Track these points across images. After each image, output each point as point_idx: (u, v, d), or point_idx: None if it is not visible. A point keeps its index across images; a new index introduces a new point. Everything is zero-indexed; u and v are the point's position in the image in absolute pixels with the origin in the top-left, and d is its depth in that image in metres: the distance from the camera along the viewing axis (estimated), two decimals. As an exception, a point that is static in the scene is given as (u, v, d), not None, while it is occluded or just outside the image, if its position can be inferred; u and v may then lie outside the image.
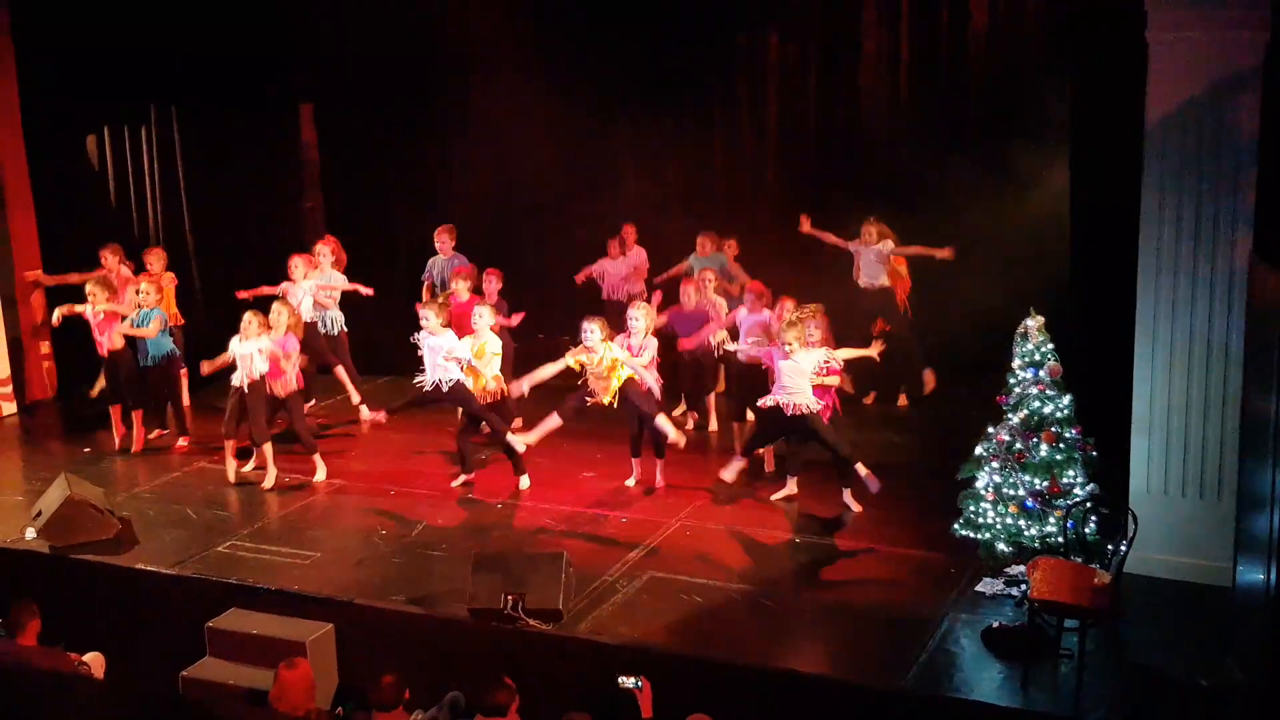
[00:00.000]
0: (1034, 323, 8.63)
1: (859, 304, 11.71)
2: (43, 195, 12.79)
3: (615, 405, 9.59)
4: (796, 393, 9.17)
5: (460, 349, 9.89)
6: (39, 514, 9.50)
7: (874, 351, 9.78)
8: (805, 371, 9.15)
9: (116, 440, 11.37)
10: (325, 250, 11.90)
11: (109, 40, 12.64)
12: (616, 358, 9.50)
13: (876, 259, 11.67)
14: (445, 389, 9.92)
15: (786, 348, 9.16)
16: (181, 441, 11.46)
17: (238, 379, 10.20)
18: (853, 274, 11.77)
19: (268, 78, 13.49)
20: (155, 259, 11.96)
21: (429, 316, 9.90)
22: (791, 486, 9.68)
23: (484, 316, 10.19)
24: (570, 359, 9.54)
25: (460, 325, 10.36)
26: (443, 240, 12.27)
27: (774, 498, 9.67)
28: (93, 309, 11.17)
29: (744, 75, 13.17)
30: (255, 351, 10.11)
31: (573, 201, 13.70)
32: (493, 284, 11.50)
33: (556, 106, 13.36)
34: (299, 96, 14.08)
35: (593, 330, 9.47)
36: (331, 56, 13.84)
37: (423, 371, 10.02)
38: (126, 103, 13.20)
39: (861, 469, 9.21)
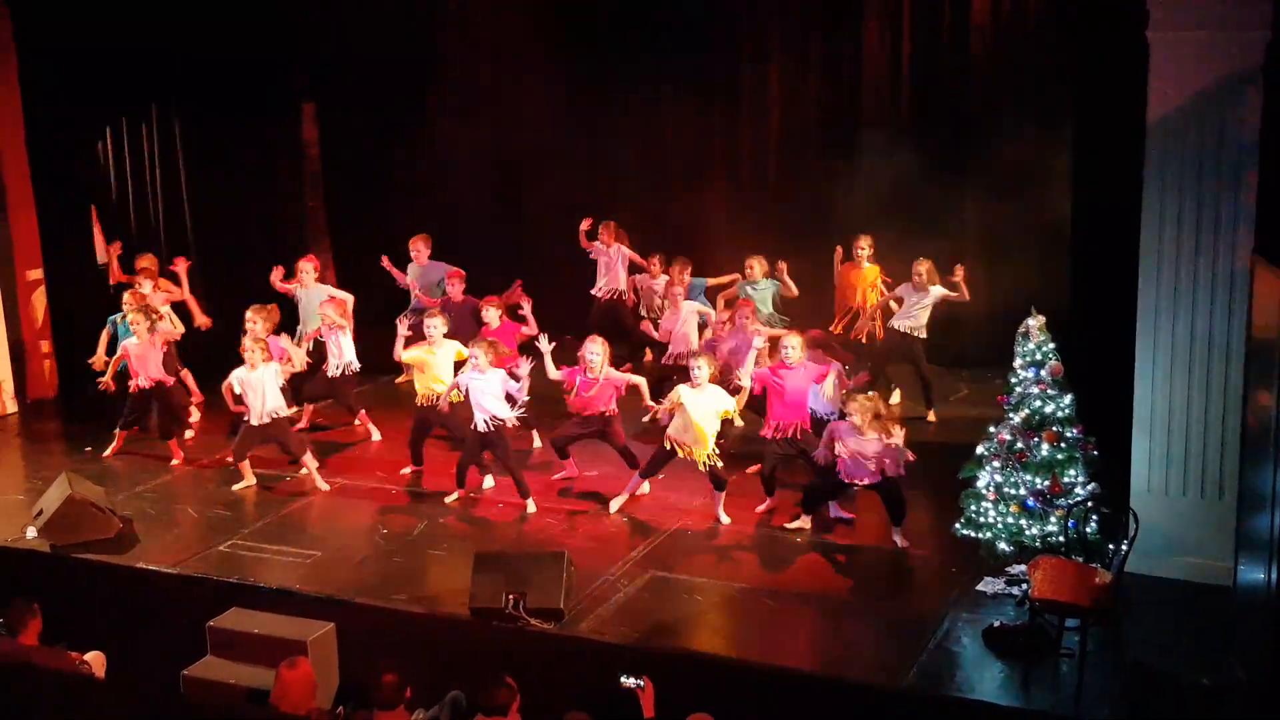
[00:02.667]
0: (1035, 322, 8.63)
1: (888, 345, 11.28)
2: (44, 195, 12.79)
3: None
4: (858, 473, 8.90)
5: (511, 385, 9.69)
6: (40, 513, 9.50)
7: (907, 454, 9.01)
8: (869, 452, 8.81)
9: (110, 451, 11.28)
10: (309, 268, 11.75)
11: (110, 41, 12.64)
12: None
13: (925, 301, 11.09)
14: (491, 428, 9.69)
15: (853, 420, 8.80)
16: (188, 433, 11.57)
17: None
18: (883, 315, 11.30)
19: (268, 78, 13.49)
20: (148, 263, 11.91)
21: (478, 355, 9.63)
22: (804, 522, 9.33)
23: (436, 327, 10.16)
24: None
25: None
26: (418, 249, 12.21)
27: (788, 526, 9.32)
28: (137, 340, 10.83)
29: (746, 82, 13.16)
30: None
31: (575, 199, 13.69)
32: (456, 286, 11.54)
33: (558, 105, 13.38)
34: (300, 96, 14.09)
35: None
36: (332, 56, 13.85)
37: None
38: (128, 103, 13.20)
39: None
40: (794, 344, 9.41)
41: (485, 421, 9.65)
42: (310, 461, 10.32)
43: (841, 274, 11.66)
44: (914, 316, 11.11)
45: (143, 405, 11.06)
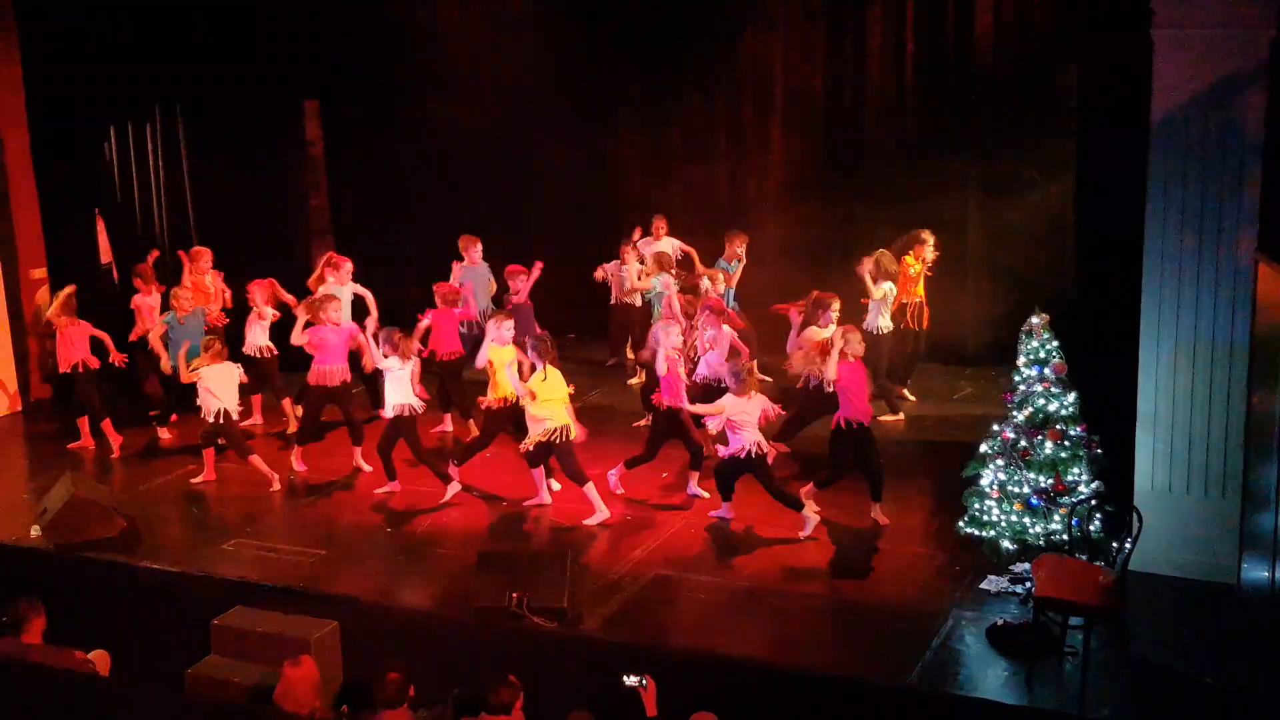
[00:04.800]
0: (1039, 320, 8.62)
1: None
2: (48, 195, 12.80)
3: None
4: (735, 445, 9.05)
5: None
6: (44, 512, 9.51)
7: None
8: (753, 412, 8.99)
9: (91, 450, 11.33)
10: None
11: (114, 39, 12.66)
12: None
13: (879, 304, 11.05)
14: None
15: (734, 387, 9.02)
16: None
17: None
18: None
19: (272, 75, 13.50)
20: (198, 259, 11.90)
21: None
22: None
23: (508, 329, 9.98)
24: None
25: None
26: (469, 250, 12.08)
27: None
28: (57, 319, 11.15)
29: (749, 76, 13.14)
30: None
31: (577, 195, 13.72)
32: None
33: (559, 101, 13.37)
34: (303, 94, 14.10)
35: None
36: (335, 54, 13.85)
37: None
38: (131, 102, 13.21)
39: (810, 510, 9.14)
40: (855, 339, 9.29)
41: (398, 407, 9.79)
42: (258, 461, 10.37)
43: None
44: (872, 315, 11.02)
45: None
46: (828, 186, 12.68)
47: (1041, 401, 8.45)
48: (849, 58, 12.69)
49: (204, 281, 11.75)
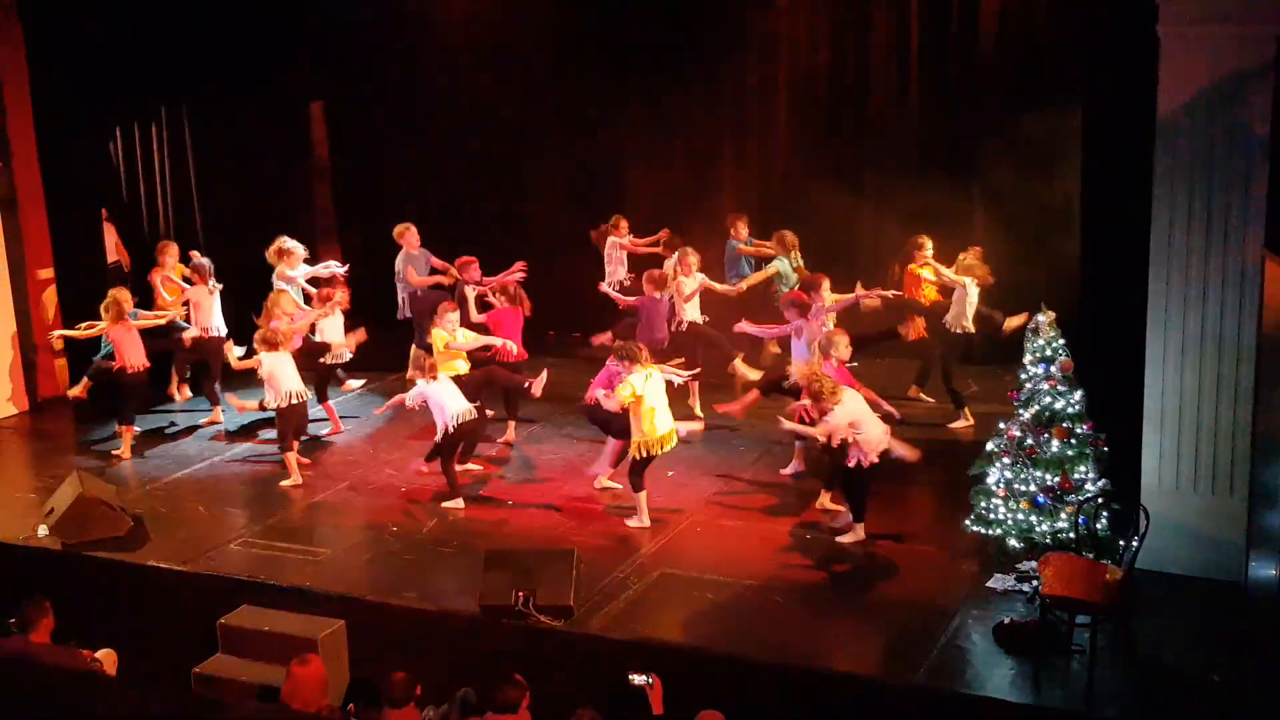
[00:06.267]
0: (1045, 318, 8.61)
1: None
2: (55, 195, 12.81)
3: None
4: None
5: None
6: (51, 511, 9.53)
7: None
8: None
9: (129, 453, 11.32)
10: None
11: (120, 39, 12.67)
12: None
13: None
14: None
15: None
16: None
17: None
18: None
19: (278, 76, 13.51)
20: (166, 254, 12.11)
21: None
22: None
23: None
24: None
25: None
26: (408, 238, 12.39)
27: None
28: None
29: (753, 67, 13.14)
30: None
31: (579, 194, 13.72)
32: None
33: (562, 99, 13.38)
34: (309, 94, 14.10)
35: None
36: (341, 54, 13.87)
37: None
38: (138, 103, 13.23)
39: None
40: (842, 343, 9.33)
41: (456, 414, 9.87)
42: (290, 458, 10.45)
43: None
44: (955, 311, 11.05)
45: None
46: (830, 183, 12.66)
47: (1048, 399, 8.45)
48: (852, 54, 12.67)
49: (172, 278, 11.98)
